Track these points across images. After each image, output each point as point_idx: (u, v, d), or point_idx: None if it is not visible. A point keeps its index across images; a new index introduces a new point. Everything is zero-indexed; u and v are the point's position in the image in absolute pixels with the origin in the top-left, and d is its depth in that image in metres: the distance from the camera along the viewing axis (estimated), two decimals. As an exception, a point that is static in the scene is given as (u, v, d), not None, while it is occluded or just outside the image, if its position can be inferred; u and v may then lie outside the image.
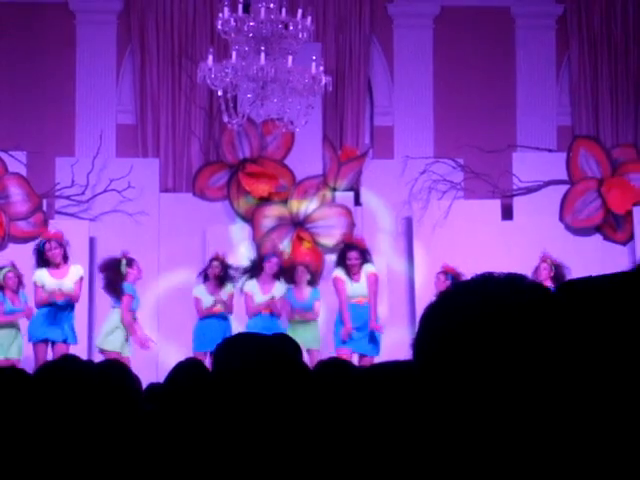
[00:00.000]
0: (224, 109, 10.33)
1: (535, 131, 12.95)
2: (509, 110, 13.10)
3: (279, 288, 10.74)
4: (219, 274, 10.75)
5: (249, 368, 2.49)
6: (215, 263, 10.82)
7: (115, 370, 3.37)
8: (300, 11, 10.41)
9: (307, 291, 10.82)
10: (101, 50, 12.97)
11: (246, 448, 2.40)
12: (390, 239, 12.13)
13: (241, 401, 2.48)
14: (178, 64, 12.85)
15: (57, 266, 10.42)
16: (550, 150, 12.70)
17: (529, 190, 12.26)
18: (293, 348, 3.32)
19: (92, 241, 11.98)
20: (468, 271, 11.01)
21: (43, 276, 10.37)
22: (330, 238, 12.00)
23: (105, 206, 12.04)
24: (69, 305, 10.39)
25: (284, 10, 10.25)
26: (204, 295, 10.71)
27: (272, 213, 12.10)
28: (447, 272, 10.77)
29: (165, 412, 3.45)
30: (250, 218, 12.13)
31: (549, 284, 10.69)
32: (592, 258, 11.99)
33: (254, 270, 10.84)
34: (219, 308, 10.64)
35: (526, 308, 1.28)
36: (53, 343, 10.26)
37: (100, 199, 12.05)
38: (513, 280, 1.34)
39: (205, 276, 10.82)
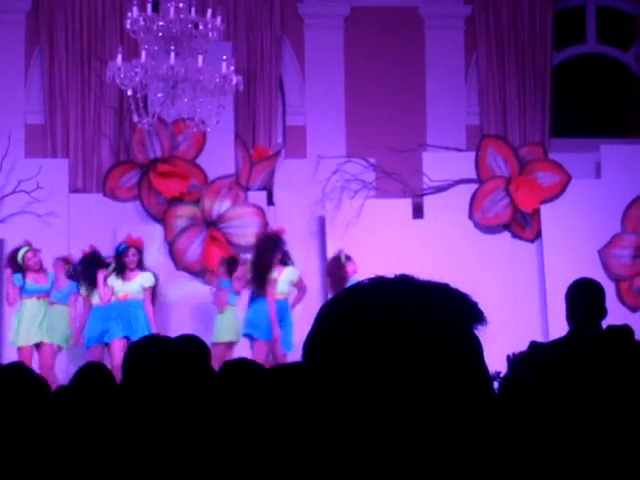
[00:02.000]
0: (134, 109, 10.26)
1: (445, 131, 13.11)
2: (419, 110, 13.23)
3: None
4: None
5: (155, 374, 2.49)
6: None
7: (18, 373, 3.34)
8: (210, 10, 10.39)
9: None
10: (9, 49, 12.77)
11: (151, 449, 2.40)
12: (303, 239, 12.16)
13: (147, 404, 2.48)
14: (87, 64, 12.71)
15: (131, 270, 10.76)
16: (459, 149, 12.86)
17: (439, 189, 12.40)
18: (198, 350, 3.32)
19: (1, 243, 11.79)
20: (381, 270, 11.08)
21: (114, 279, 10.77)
22: (243, 238, 11.99)
23: (14, 207, 11.86)
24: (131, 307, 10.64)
25: (194, 9, 10.22)
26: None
27: (184, 213, 12.04)
28: None
29: (72, 415, 3.43)
30: (162, 218, 12.05)
31: None
32: (501, 255, 12.18)
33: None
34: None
35: (415, 312, 1.28)
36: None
37: (8, 200, 11.87)
38: (403, 283, 1.34)
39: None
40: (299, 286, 11.11)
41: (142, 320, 10.64)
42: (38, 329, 10.62)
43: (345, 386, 1.23)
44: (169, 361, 2.45)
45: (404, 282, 1.34)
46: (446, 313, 1.28)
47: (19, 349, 10.60)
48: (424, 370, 1.24)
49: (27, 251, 10.73)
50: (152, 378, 2.43)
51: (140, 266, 10.86)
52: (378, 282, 1.34)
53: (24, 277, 10.72)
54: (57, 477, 2.88)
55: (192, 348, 3.06)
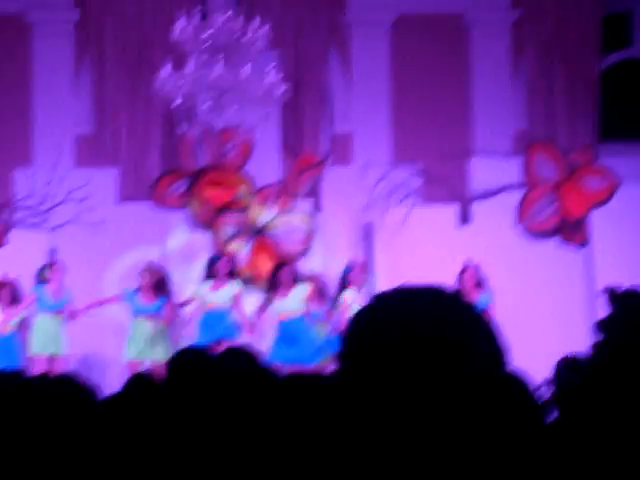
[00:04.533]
0: (182, 118, 10.35)
1: (492, 136, 13.07)
2: (466, 116, 13.21)
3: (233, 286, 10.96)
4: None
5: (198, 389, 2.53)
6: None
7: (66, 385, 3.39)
8: (257, 19, 10.45)
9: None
10: (58, 60, 12.94)
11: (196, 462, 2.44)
12: (350, 246, 12.19)
13: (188, 420, 2.52)
14: (136, 73, 12.84)
15: (220, 279, 10.97)
16: (507, 155, 12.81)
17: (486, 195, 12.36)
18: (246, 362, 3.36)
19: (52, 252, 11.95)
20: (427, 275, 11.10)
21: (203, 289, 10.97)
22: (290, 245, 12.05)
23: (64, 217, 12.01)
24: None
25: (241, 18, 10.29)
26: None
27: (232, 221, 12.13)
28: None
29: (119, 425, 3.48)
30: (210, 226, 12.15)
31: (474, 290, 10.93)
32: (549, 262, 12.12)
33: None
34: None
35: (444, 321, 1.31)
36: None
37: (59, 210, 12.02)
38: (432, 293, 1.37)
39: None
40: (312, 298, 10.99)
41: (230, 327, 10.79)
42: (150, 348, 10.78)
43: (378, 388, 1.27)
44: (211, 374, 2.49)
45: (433, 290, 1.37)
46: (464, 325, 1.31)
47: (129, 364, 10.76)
48: (446, 378, 1.27)
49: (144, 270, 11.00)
50: (195, 389, 2.47)
51: (231, 276, 11.04)
52: (407, 291, 1.38)
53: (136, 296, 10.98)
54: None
55: (238, 362, 3.10)
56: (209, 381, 2.88)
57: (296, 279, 11.00)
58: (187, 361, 3.23)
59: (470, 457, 1.27)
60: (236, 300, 10.97)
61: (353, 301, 10.85)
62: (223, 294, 10.95)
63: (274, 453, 2.38)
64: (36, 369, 10.48)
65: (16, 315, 10.82)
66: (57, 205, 12.03)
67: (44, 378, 4.96)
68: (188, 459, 2.65)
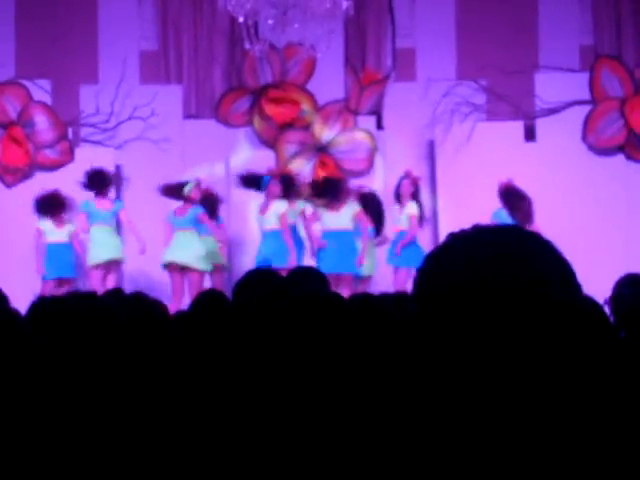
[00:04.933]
0: (245, 35, 10.35)
1: (557, 51, 12.85)
2: (531, 30, 12.99)
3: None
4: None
5: (262, 310, 2.60)
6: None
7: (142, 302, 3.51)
8: None
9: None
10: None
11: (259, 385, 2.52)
12: (413, 163, 12.17)
13: (255, 340, 2.59)
14: (199, -10, 12.81)
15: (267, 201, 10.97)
16: (573, 70, 12.61)
17: (552, 111, 12.23)
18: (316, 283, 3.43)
19: (118, 168, 12.11)
20: (490, 194, 11.09)
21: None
22: (353, 163, 12.08)
23: (130, 133, 12.13)
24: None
25: None
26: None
27: (295, 139, 12.16)
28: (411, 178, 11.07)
29: (187, 343, 3.59)
30: (273, 144, 12.20)
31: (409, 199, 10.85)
32: (615, 178, 12.01)
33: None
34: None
35: (524, 262, 1.31)
36: None
37: (124, 127, 12.13)
38: (511, 231, 1.38)
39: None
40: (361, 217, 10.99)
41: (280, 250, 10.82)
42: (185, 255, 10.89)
43: (457, 329, 1.29)
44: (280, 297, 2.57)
45: (511, 229, 1.38)
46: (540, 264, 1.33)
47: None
48: (524, 315, 1.29)
49: (193, 186, 11.05)
50: (261, 316, 2.55)
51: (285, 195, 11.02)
52: (485, 230, 1.38)
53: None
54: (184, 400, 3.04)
55: (306, 281, 3.18)
56: (279, 300, 2.96)
57: (348, 195, 10.99)
58: (256, 281, 3.31)
59: (560, 382, 1.30)
60: (282, 220, 10.85)
61: (401, 213, 10.94)
62: (270, 216, 10.88)
63: (343, 378, 2.45)
64: (94, 278, 10.75)
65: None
66: (122, 122, 12.13)
67: (118, 295, 5.12)
68: (259, 378, 2.74)
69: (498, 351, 1.28)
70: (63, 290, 10.53)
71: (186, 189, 11.04)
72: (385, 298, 3.78)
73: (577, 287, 1.37)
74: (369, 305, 2.69)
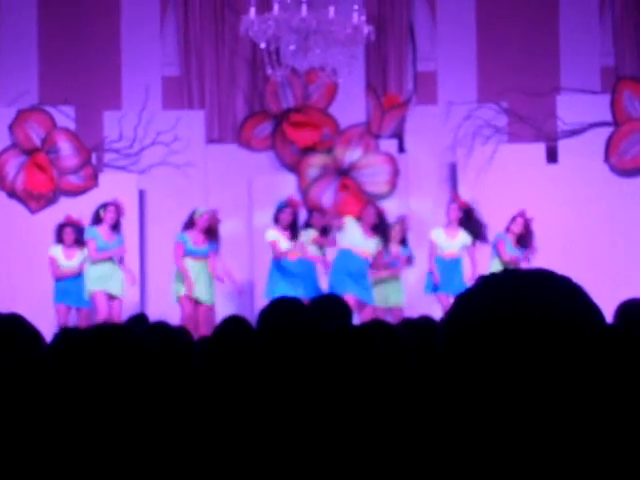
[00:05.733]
0: (267, 61, 10.41)
1: (579, 73, 12.86)
2: (552, 52, 13.01)
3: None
4: (292, 220, 10.82)
5: (285, 337, 2.62)
6: (289, 210, 10.82)
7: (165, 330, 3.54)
8: (340, -41, 10.40)
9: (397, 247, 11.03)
10: (145, 2, 13.04)
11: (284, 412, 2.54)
12: (434, 186, 12.19)
13: (278, 365, 2.61)
14: (221, 16, 12.90)
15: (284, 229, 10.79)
16: (594, 92, 12.62)
17: (574, 133, 12.23)
18: (338, 312, 3.44)
19: (141, 194, 12.18)
20: (512, 215, 11.08)
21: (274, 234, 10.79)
22: (375, 186, 12.11)
23: (153, 159, 12.21)
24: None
25: (325, -41, 10.26)
26: (280, 239, 10.81)
27: (317, 162, 12.20)
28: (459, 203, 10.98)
29: (210, 370, 3.61)
30: (295, 168, 12.25)
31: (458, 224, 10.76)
32: (637, 199, 11.98)
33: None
34: (296, 253, 10.74)
35: (554, 308, 1.32)
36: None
37: (148, 152, 12.22)
38: (542, 276, 1.37)
39: (276, 220, 10.85)
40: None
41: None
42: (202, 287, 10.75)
43: (488, 371, 1.30)
44: (305, 325, 2.59)
45: (544, 274, 1.38)
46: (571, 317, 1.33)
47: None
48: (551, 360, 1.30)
49: (203, 212, 10.88)
50: (283, 344, 2.57)
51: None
52: (518, 274, 1.39)
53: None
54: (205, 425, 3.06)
55: (329, 309, 3.19)
56: (303, 329, 2.98)
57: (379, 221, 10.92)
58: (281, 309, 3.33)
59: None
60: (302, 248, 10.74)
61: (440, 241, 10.89)
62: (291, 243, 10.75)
63: (362, 411, 2.47)
64: (98, 305, 10.57)
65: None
66: (146, 148, 12.22)
67: (142, 322, 5.15)
68: (280, 406, 2.76)
69: (526, 390, 1.30)
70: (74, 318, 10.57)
71: (196, 214, 10.89)
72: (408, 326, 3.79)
73: (605, 330, 1.37)
74: (391, 336, 2.71)
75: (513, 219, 10.94)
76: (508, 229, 10.89)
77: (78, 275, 10.86)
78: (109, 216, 10.74)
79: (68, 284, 10.92)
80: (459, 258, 10.89)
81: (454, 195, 11.32)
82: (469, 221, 10.93)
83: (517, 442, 1.29)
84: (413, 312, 10.52)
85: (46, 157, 12.11)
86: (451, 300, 10.24)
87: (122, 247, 10.80)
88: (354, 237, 10.73)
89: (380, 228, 10.79)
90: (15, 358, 2.74)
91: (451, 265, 10.83)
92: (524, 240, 10.84)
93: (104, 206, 10.81)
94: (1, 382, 2.58)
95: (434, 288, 10.78)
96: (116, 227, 10.80)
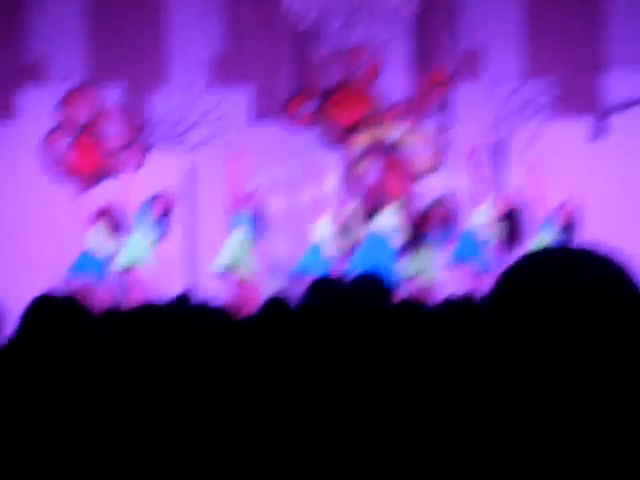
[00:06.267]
0: (312, 38, 10.41)
1: (628, 47, 12.70)
2: (600, 27, 12.86)
3: None
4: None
5: (324, 317, 2.66)
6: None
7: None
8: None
9: None
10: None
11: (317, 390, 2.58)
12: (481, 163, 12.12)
13: (314, 346, 2.65)
14: (266, -6, 12.91)
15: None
16: (643, 67, 12.46)
17: (624, 107, 12.09)
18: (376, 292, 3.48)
19: (190, 172, 12.26)
20: (561, 194, 11.00)
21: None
22: (419, 163, 12.08)
23: (199, 137, 12.27)
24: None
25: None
26: None
27: (362, 140, 12.20)
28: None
29: (250, 351, 3.67)
30: (340, 145, 12.25)
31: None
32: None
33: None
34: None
35: (598, 283, 1.35)
36: None
37: (195, 130, 12.28)
38: (586, 253, 1.40)
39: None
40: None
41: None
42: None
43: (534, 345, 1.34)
44: (343, 305, 2.63)
45: (590, 251, 1.41)
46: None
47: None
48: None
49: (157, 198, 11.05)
50: (323, 323, 2.61)
51: None
52: (550, 252, 1.42)
53: None
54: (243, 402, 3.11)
55: (369, 290, 3.23)
56: (342, 308, 3.02)
57: None
58: (319, 288, 3.37)
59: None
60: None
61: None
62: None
63: (405, 384, 2.50)
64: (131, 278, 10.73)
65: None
66: (192, 126, 12.28)
67: (184, 302, 5.22)
68: (324, 382, 2.81)
69: (571, 367, 1.33)
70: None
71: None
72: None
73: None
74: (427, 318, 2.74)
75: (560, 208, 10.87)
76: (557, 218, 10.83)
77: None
78: (156, 211, 10.89)
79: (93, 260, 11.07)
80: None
81: (504, 191, 11.18)
82: (508, 221, 10.93)
83: (565, 417, 1.32)
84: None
85: (94, 136, 12.21)
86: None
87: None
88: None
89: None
90: (71, 337, 2.81)
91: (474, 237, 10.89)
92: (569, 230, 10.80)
93: (154, 198, 10.98)
94: (57, 360, 2.66)
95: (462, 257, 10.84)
96: (161, 221, 10.93)
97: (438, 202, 11.16)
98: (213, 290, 10.34)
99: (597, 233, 10.45)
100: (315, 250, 10.90)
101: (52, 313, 3.15)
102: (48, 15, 13.04)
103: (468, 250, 10.80)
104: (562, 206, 10.84)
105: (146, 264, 10.86)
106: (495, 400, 1.38)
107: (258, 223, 10.97)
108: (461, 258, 10.88)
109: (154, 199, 10.98)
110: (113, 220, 11.09)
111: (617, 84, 12.09)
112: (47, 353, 3.05)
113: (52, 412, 2.69)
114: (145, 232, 10.89)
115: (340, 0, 9.95)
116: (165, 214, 10.95)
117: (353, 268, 10.36)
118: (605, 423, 1.33)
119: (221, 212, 11.26)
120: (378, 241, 10.73)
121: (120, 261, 10.86)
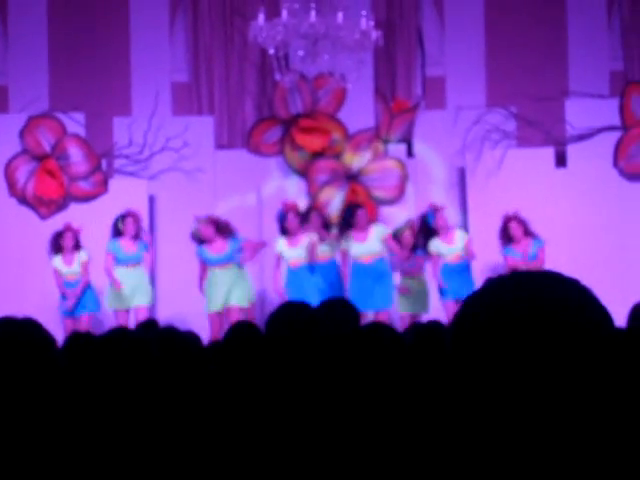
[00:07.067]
0: (276, 66, 10.44)
1: (587, 77, 12.87)
2: (561, 57, 13.02)
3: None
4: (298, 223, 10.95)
5: (293, 341, 2.65)
6: (290, 215, 10.92)
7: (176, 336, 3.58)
8: (349, -35, 10.43)
9: None
10: (154, 8, 13.10)
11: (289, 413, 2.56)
12: (443, 190, 12.21)
13: (284, 369, 2.64)
14: (230, 22, 12.95)
15: (293, 234, 10.90)
16: (603, 96, 12.62)
17: (582, 137, 12.23)
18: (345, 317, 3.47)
19: (151, 199, 12.22)
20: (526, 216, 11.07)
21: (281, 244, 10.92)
22: (383, 191, 12.13)
23: (162, 164, 12.25)
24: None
25: (333, -35, 10.28)
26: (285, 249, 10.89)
27: (326, 167, 12.23)
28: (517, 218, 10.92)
29: (219, 374, 3.65)
30: (304, 173, 12.27)
31: (525, 241, 10.79)
32: (647, 204, 11.98)
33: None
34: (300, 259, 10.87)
35: (560, 309, 1.33)
36: None
37: (157, 158, 12.25)
38: (549, 277, 1.38)
39: (283, 230, 10.96)
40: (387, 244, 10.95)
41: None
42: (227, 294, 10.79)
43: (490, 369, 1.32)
44: (311, 329, 2.61)
45: (551, 275, 1.39)
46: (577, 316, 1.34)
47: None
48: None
49: (124, 219, 10.97)
50: (291, 346, 2.59)
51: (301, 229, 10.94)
52: (526, 275, 1.40)
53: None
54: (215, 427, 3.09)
55: (336, 314, 3.21)
56: (310, 333, 3.00)
57: (370, 221, 11.03)
58: (288, 314, 3.36)
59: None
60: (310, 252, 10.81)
61: (441, 250, 10.86)
62: (300, 250, 10.86)
63: (369, 411, 2.49)
64: (119, 320, 10.61)
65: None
66: (155, 153, 12.25)
67: (151, 328, 5.18)
68: (289, 409, 2.78)
69: (531, 391, 1.31)
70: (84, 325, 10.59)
71: (119, 223, 10.94)
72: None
73: (613, 332, 1.38)
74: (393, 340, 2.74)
75: (506, 225, 10.91)
76: (509, 238, 10.86)
77: (80, 280, 10.91)
78: (129, 227, 10.89)
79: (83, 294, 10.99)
80: (465, 262, 10.90)
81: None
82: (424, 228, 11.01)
83: (522, 442, 1.31)
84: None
85: (56, 163, 12.15)
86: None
87: (147, 254, 11.03)
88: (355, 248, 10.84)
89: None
90: (30, 362, 2.77)
91: (458, 269, 10.85)
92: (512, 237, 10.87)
93: (122, 217, 10.93)
94: (16, 385, 2.61)
95: (443, 293, 10.80)
96: (137, 236, 10.95)
97: (404, 228, 11.18)
98: (176, 316, 10.29)
99: (559, 261, 10.53)
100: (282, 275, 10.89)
101: (9, 335, 3.11)
102: (10, 43, 12.99)
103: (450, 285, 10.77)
104: (507, 224, 10.90)
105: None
106: (455, 425, 1.36)
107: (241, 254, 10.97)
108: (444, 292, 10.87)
109: (123, 218, 10.96)
110: (77, 245, 11.04)
111: (576, 114, 12.23)
112: (2, 375, 3.00)
113: (4, 435, 2.65)
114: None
115: (304, 29, 9.98)
116: (137, 231, 10.95)
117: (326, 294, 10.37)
118: (572, 445, 1.31)
119: (181, 238, 11.21)
120: (356, 268, 10.77)
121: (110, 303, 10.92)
